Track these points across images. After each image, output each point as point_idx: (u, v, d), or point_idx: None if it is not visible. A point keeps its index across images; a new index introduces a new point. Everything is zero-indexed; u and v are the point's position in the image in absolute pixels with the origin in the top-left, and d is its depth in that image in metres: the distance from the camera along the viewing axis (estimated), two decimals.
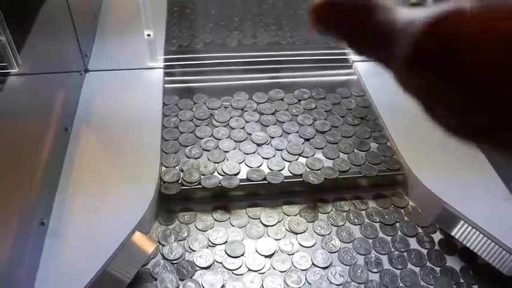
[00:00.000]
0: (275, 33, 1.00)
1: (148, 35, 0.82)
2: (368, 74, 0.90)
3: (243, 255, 0.63)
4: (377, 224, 0.69)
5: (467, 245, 0.63)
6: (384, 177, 0.72)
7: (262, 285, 0.60)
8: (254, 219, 0.68)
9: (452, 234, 0.64)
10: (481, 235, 0.62)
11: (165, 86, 0.85)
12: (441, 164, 0.72)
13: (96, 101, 0.79)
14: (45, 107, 0.69)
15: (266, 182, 0.68)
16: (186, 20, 1.03)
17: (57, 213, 0.62)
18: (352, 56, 0.93)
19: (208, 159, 0.71)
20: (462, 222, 0.64)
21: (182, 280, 0.60)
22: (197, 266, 0.61)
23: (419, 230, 0.68)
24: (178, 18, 1.04)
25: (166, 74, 0.87)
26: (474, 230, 0.63)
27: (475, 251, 0.62)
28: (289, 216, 0.69)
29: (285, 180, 0.69)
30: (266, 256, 0.63)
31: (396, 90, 0.88)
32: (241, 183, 0.68)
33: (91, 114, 0.76)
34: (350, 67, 0.93)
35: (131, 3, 0.94)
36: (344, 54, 0.94)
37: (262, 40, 0.98)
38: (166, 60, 0.88)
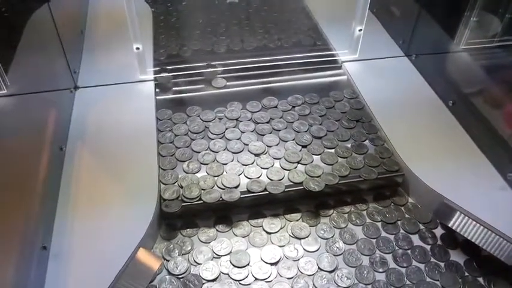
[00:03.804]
0: (262, 37, 1.00)
1: (138, 48, 0.82)
2: (358, 73, 0.91)
3: (248, 264, 0.63)
4: (379, 224, 0.69)
5: (469, 238, 0.63)
6: (383, 179, 0.72)
7: None
8: (257, 227, 0.68)
9: (453, 228, 0.64)
10: (481, 227, 0.63)
11: (157, 98, 0.84)
12: (438, 160, 0.73)
13: (89, 118, 0.78)
14: (37, 127, 0.68)
15: (267, 192, 0.68)
16: (172, 29, 1.03)
17: (58, 235, 0.61)
18: (341, 57, 0.94)
19: (207, 173, 0.70)
20: (462, 215, 0.64)
21: None
22: (203, 279, 0.61)
23: (421, 227, 0.69)
24: (164, 27, 1.03)
25: (157, 86, 0.86)
26: (474, 222, 0.63)
27: (477, 243, 0.63)
28: (291, 221, 0.69)
29: (285, 190, 0.69)
30: (272, 264, 0.63)
31: (387, 89, 0.88)
32: (242, 196, 0.67)
33: (84, 132, 0.75)
34: (340, 67, 0.93)
35: (116, 16, 0.94)
36: (333, 55, 0.95)
37: (250, 44, 0.98)
38: (156, 72, 0.87)
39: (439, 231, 0.69)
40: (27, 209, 0.58)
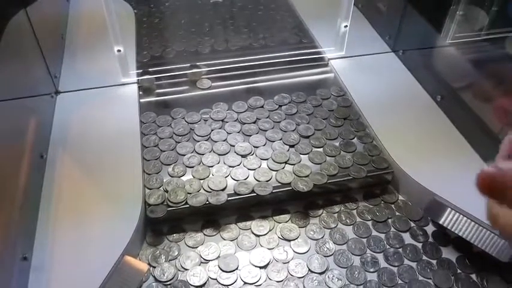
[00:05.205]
0: (247, 36, 0.99)
1: (119, 50, 0.80)
2: (345, 70, 0.90)
3: (237, 268, 0.61)
4: (369, 222, 0.68)
5: (460, 234, 0.62)
6: (373, 177, 0.71)
7: None
8: (245, 230, 0.66)
9: (444, 224, 0.63)
10: (472, 223, 0.62)
11: (141, 101, 0.82)
12: (427, 156, 0.72)
13: (70, 123, 0.76)
14: (17, 134, 0.66)
15: (255, 194, 0.66)
16: (155, 30, 1.01)
17: (40, 245, 0.59)
18: (328, 54, 0.93)
19: (193, 177, 0.69)
20: (453, 211, 0.63)
21: None
22: (191, 285, 0.60)
23: (412, 224, 0.68)
24: (147, 28, 1.01)
25: (140, 89, 0.85)
26: (465, 218, 0.62)
27: (468, 239, 0.62)
28: (280, 223, 0.67)
29: (273, 191, 0.67)
30: (261, 267, 0.62)
31: (374, 85, 0.87)
32: (229, 198, 0.66)
33: (66, 138, 0.74)
34: (326, 65, 0.92)
35: (98, 18, 0.92)
36: (319, 52, 0.93)
37: (235, 44, 0.97)
38: (139, 74, 0.86)
39: (430, 229, 0.68)
40: (6, 218, 0.56)
